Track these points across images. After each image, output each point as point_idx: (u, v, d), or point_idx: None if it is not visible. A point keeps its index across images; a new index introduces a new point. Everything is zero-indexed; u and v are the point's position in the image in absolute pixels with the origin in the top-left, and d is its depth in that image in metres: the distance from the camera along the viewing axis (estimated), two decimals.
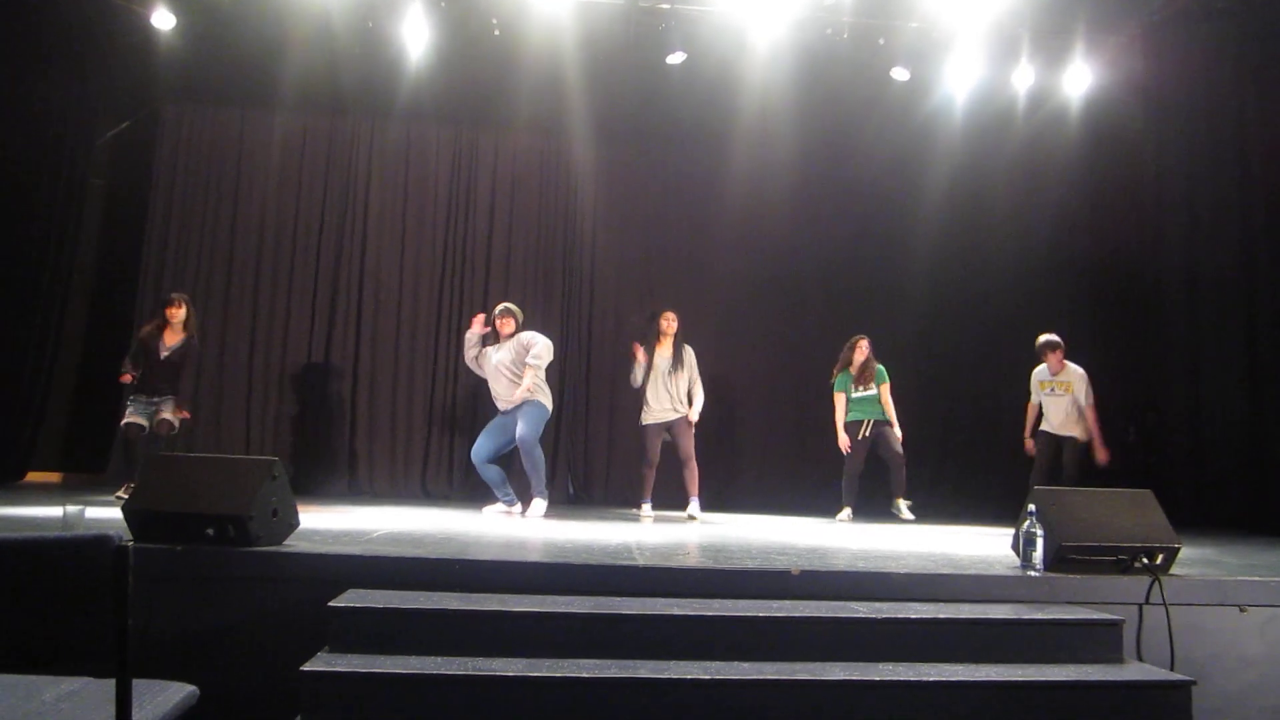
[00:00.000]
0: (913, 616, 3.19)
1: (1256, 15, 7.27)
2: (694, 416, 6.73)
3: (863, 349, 7.23)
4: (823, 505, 7.64)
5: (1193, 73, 7.75)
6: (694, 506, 6.68)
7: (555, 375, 7.45)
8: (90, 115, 8.28)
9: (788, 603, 3.30)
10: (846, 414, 7.22)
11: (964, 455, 8.79)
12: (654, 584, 3.41)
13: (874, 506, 7.35)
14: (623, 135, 8.83)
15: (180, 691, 2.07)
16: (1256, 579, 3.64)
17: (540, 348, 6.31)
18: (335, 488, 8.06)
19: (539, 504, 6.27)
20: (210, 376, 8.07)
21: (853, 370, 7.23)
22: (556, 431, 8.31)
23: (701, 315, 8.24)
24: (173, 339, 6.50)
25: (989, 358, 8.85)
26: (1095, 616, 3.31)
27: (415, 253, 8.60)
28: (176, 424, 6.43)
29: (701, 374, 6.94)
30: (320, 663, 2.79)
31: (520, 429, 6.24)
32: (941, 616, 3.21)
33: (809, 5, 7.64)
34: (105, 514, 5.01)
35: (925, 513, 7.42)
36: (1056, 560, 3.67)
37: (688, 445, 6.70)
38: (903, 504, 7.09)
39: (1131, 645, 3.40)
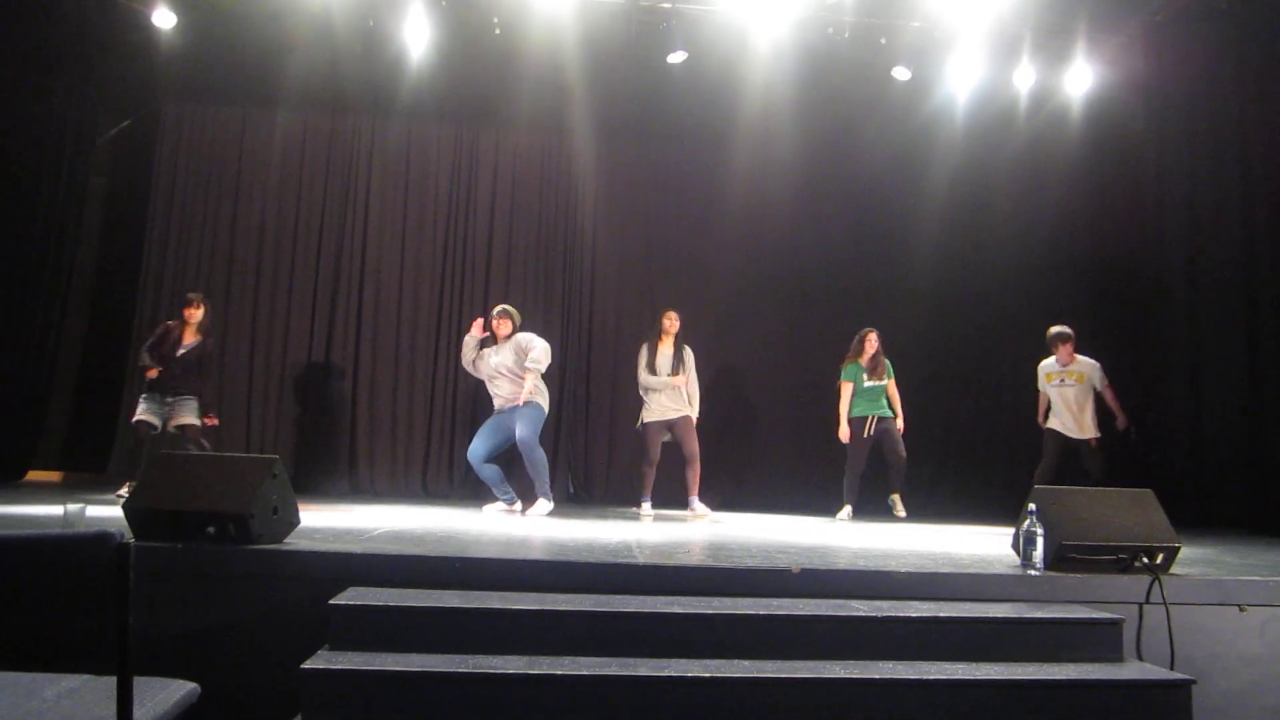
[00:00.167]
0: (913, 615, 3.19)
1: (1258, 15, 7.27)
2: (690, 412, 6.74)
3: (873, 341, 7.24)
4: (823, 504, 7.64)
5: (1194, 72, 7.74)
6: (696, 505, 6.69)
7: (555, 374, 7.46)
8: (91, 114, 8.28)
9: (788, 601, 3.30)
10: (852, 408, 7.23)
11: (964, 454, 8.79)
12: (654, 582, 3.41)
13: (874, 505, 7.35)
14: (624, 134, 8.83)
15: (181, 689, 2.07)
16: (1256, 578, 3.64)
17: (539, 351, 6.32)
18: (336, 486, 8.06)
19: (543, 504, 6.27)
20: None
21: (864, 361, 7.24)
22: (556, 430, 8.31)
23: (702, 314, 8.25)
24: (190, 338, 6.55)
25: (990, 357, 8.86)
26: (1095, 615, 3.31)
27: (416, 251, 8.61)
28: (199, 422, 6.47)
29: (701, 373, 6.95)
30: (321, 660, 2.80)
31: (520, 431, 6.25)
32: (942, 615, 3.21)
33: (810, 4, 7.64)
34: (106, 512, 5.01)
35: (926, 512, 7.43)
36: (1057, 559, 3.67)
37: (692, 444, 6.70)
38: (898, 500, 7.10)
39: (1132, 644, 3.40)
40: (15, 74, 7.56)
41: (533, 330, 6.67)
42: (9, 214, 7.53)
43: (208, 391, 6.63)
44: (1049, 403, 7.13)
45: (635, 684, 2.77)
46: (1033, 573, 3.62)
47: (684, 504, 6.81)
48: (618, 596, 3.28)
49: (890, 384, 7.25)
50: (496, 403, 6.44)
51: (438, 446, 8.36)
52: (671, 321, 6.84)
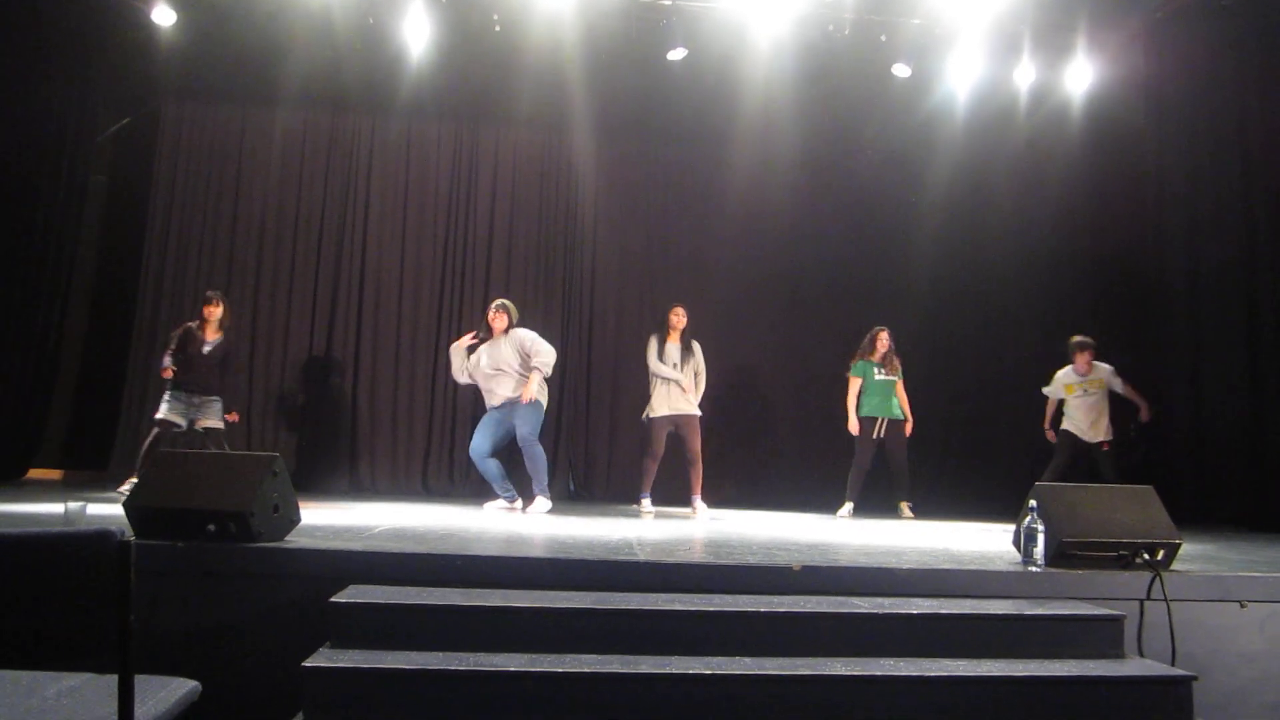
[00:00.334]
0: (914, 612, 3.19)
1: (1258, 12, 7.25)
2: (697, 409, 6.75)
3: (884, 340, 7.31)
4: (824, 501, 7.64)
5: (1195, 69, 7.73)
6: (698, 504, 6.69)
7: (556, 372, 7.43)
8: (91, 112, 8.26)
9: (789, 598, 3.30)
10: (862, 405, 7.26)
11: (965, 451, 8.80)
12: (655, 579, 3.41)
13: (874, 503, 7.36)
14: (624, 131, 8.82)
15: (182, 687, 2.07)
16: (1257, 575, 3.64)
17: (547, 354, 6.35)
18: (336, 484, 8.07)
19: (542, 502, 6.28)
20: None
21: (875, 358, 7.29)
22: (557, 428, 8.32)
23: (703, 311, 8.20)
24: (212, 335, 6.63)
25: (990, 354, 8.85)
26: (1096, 612, 3.31)
27: (416, 249, 8.60)
28: (223, 425, 6.59)
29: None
30: (322, 658, 2.80)
31: (522, 429, 6.28)
32: (943, 612, 3.21)
33: (810, 1, 7.64)
34: (107, 510, 5.01)
35: (926, 509, 7.43)
36: (1058, 556, 3.67)
37: (695, 443, 6.69)
38: (906, 507, 7.16)
39: (1133, 641, 3.40)
40: (15, 73, 7.55)
41: (532, 328, 6.65)
42: (9, 213, 7.52)
43: (232, 387, 6.78)
44: (1056, 408, 7.16)
45: (637, 681, 2.77)
46: (1034, 569, 3.62)
47: (685, 502, 6.81)
48: (619, 594, 3.28)
49: (899, 384, 7.28)
50: (493, 400, 6.42)
51: (438, 444, 8.36)
52: (679, 317, 6.81)
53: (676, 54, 7.94)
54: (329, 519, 4.96)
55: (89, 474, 7.98)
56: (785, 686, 2.82)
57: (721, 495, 7.93)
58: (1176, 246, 7.88)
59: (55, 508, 5.02)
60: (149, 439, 6.45)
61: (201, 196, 8.43)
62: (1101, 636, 3.24)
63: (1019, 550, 3.81)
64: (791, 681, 2.83)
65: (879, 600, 3.32)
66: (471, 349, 6.54)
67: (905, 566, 3.56)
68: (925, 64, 8.11)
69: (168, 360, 6.48)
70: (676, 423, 6.66)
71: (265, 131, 8.50)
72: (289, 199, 8.52)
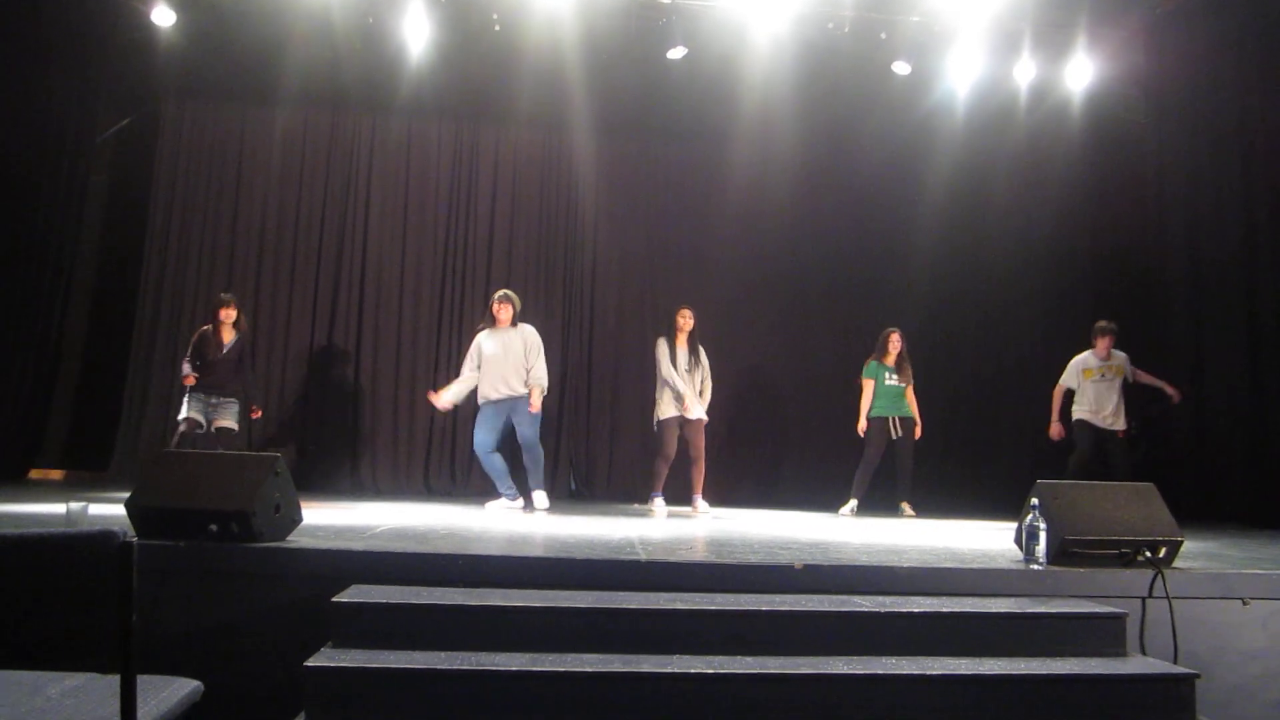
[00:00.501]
0: (916, 610, 3.18)
1: (1259, 9, 7.25)
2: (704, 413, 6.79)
3: (896, 341, 7.35)
4: (824, 499, 7.64)
5: (1195, 67, 7.73)
6: (700, 503, 6.71)
7: (557, 372, 7.48)
8: (91, 112, 8.27)
9: (790, 597, 3.30)
10: (872, 406, 7.29)
11: (966, 449, 8.79)
12: (657, 579, 3.41)
13: (876, 502, 7.36)
14: (624, 130, 8.82)
15: (184, 687, 2.07)
16: (1259, 572, 3.64)
17: (543, 371, 6.47)
18: (338, 483, 8.07)
19: (541, 495, 6.44)
20: None
21: (888, 361, 7.31)
22: (558, 427, 8.32)
23: (703, 309, 8.14)
24: (228, 337, 6.71)
25: (990, 352, 8.86)
26: (1098, 610, 3.31)
27: (417, 248, 8.60)
28: (237, 427, 6.68)
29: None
30: (323, 658, 2.80)
31: (525, 431, 6.40)
32: (945, 610, 3.21)
33: (810, 0, 7.63)
34: (108, 510, 5.01)
35: (928, 507, 7.43)
36: (1059, 554, 3.67)
37: (700, 443, 6.73)
38: (907, 507, 7.19)
39: (1135, 639, 3.39)
40: (16, 73, 7.55)
41: (533, 326, 6.71)
42: (9, 213, 7.53)
43: (252, 384, 6.89)
44: (1065, 395, 7.11)
45: (638, 680, 2.77)
46: (1035, 567, 3.61)
47: (686, 501, 6.82)
48: (620, 593, 3.28)
49: (909, 389, 7.33)
50: (494, 393, 6.42)
51: (439, 443, 8.36)
52: (686, 319, 6.82)
53: (676, 53, 7.94)
54: (331, 519, 4.96)
55: (90, 474, 7.98)
56: (787, 685, 2.82)
57: (723, 495, 7.92)
58: (1177, 244, 7.87)
59: (57, 508, 5.02)
60: (175, 440, 6.52)
61: (202, 196, 8.43)
62: (1104, 634, 3.23)
63: (1021, 548, 3.81)
64: (793, 680, 2.83)
65: (881, 599, 3.32)
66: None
67: (907, 565, 3.56)
68: (925, 62, 8.11)
69: (187, 368, 6.59)
70: (684, 424, 6.69)
71: (265, 131, 8.50)
72: (289, 198, 8.52)
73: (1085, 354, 7.13)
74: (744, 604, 3.16)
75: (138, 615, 1.71)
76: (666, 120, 8.74)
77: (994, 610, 3.27)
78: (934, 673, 2.88)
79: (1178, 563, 3.74)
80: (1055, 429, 7.18)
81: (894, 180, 8.84)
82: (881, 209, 8.86)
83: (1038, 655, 3.11)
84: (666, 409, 6.69)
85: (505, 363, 6.41)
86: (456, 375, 8.25)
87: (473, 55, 8.15)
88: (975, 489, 8.29)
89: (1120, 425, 7.00)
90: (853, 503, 7.16)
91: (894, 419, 7.28)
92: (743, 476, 8.53)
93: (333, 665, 2.75)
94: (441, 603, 3.06)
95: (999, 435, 8.73)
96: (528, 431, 6.36)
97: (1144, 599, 3.49)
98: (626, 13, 7.89)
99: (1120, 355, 7.07)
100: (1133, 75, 8.25)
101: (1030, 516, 3.70)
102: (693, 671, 2.79)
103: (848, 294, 8.76)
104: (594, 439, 8.58)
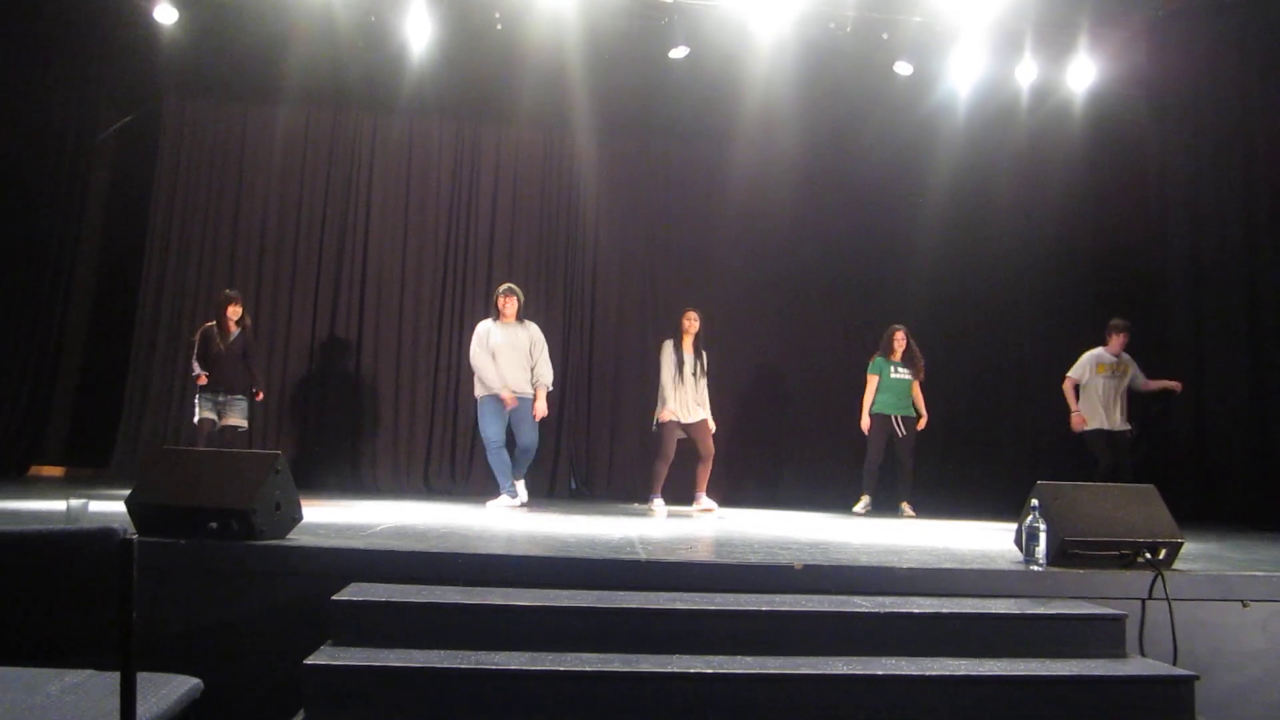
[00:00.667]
0: (915, 611, 3.18)
1: (1260, 9, 7.25)
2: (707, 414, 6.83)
3: (900, 338, 7.39)
4: (824, 499, 7.64)
5: (1197, 67, 7.73)
6: (703, 501, 6.73)
7: (557, 371, 7.46)
8: (92, 110, 8.27)
9: (790, 597, 3.30)
10: (875, 402, 7.33)
11: (966, 449, 8.79)
12: (657, 578, 3.41)
13: (876, 502, 7.36)
14: (625, 130, 8.82)
15: (184, 684, 2.07)
16: (1259, 574, 3.64)
17: (548, 368, 6.56)
18: (338, 482, 8.06)
19: (520, 487, 6.60)
20: None
21: (895, 357, 7.35)
22: (559, 426, 8.31)
23: (704, 310, 8.15)
24: (232, 331, 6.81)
25: (991, 352, 8.85)
26: (1098, 611, 3.31)
27: (418, 247, 8.60)
28: (246, 424, 6.83)
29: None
30: (323, 656, 2.80)
31: (529, 434, 6.49)
32: (944, 611, 3.21)
33: (812, 0, 7.63)
34: (109, 508, 5.01)
35: (928, 508, 7.43)
36: (1059, 555, 3.67)
37: (708, 442, 6.77)
38: (907, 507, 7.21)
39: (1134, 640, 3.39)
40: (17, 71, 7.56)
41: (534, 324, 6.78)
42: (9, 212, 7.53)
43: (256, 371, 7.00)
44: (1076, 389, 7.07)
45: (638, 680, 2.77)
46: (1035, 568, 3.61)
47: (688, 500, 6.82)
48: (620, 593, 3.28)
49: (916, 384, 7.36)
50: (497, 386, 6.42)
51: (439, 442, 8.36)
52: (691, 321, 6.84)
53: (678, 52, 7.93)
54: (331, 517, 4.96)
55: (91, 471, 7.98)
56: (787, 686, 2.82)
57: (725, 495, 7.92)
58: (1178, 244, 7.87)
59: (57, 505, 5.02)
60: (200, 442, 6.58)
61: (203, 194, 8.43)
62: (1103, 636, 3.23)
63: (1021, 549, 3.81)
64: (793, 680, 2.83)
65: (881, 599, 3.32)
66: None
67: (907, 565, 3.56)
68: (927, 62, 8.10)
69: (197, 367, 6.70)
70: (688, 428, 6.71)
71: (267, 130, 8.50)
72: (290, 197, 8.51)
73: (1099, 349, 7.11)
74: (744, 604, 3.16)
75: (138, 613, 1.71)
76: (668, 120, 8.73)
77: (994, 611, 3.28)
78: (934, 673, 2.88)
79: (1178, 564, 3.74)
80: (1077, 419, 7.06)
81: (895, 180, 8.83)
82: (883, 209, 8.85)
83: (1037, 656, 3.11)
84: (668, 412, 6.71)
85: (511, 358, 6.42)
86: (457, 374, 8.34)
87: (474, 54, 8.14)
88: (975, 489, 8.28)
89: (1127, 425, 7.01)
90: (866, 499, 7.23)
91: (897, 417, 7.29)
92: (744, 477, 8.53)
93: (332, 663, 2.75)
94: (441, 601, 3.07)
95: (999, 435, 8.73)
96: (533, 435, 6.46)
97: (1144, 600, 3.49)
98: (629, 12, 7.88)
99: (1129, 357, 7.08)
100: (1134, 76, 8.24)
101: (1030, 517, 3.70)
102: (692, 671, 2.79)
103: (849, 294, 8.75)
104: (594, 439, 8.58)
